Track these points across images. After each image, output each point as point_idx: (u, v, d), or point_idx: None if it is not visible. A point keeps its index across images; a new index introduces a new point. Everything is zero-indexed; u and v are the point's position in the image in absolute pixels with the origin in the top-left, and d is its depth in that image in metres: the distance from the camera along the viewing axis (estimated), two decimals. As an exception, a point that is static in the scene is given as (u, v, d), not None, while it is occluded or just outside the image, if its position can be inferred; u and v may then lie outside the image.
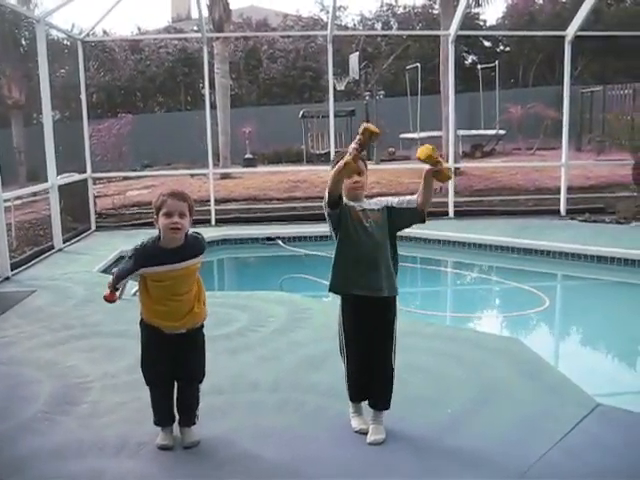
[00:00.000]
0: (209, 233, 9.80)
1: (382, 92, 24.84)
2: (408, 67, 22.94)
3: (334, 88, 12.61)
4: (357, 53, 22.53)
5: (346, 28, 32.19)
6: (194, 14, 35.05)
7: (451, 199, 11.37)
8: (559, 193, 11.43)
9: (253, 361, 4.80)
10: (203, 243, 3.51)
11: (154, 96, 30.83)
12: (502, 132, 21.39)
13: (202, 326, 3.60)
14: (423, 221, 3.62)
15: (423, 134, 20.96)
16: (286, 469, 3.32)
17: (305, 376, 4.44)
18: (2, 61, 17.23)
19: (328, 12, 19.72)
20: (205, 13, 17.08)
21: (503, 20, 32.84)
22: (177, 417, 3.59)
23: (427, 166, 3.41)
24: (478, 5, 27.09)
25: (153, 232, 3.48)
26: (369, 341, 3.56)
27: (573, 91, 13.82)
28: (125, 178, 16.70)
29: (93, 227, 11.15)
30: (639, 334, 6.53)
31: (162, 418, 3.57)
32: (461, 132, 17.18)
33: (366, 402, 3.67)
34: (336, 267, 3.56)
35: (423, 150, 3.37)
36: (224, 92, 18.09)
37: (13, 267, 7.97)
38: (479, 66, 24.26)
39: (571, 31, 10.98)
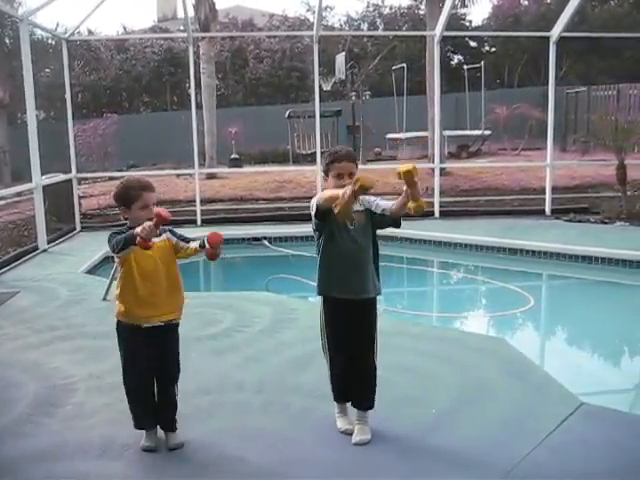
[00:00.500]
0: (195, 233, 9.71)
1: (368, 92, 24.87)
2: (394, 67, 23.02)
3: (320, 88, 12.60)
4: (343, 53, 22.50)
5: (332, 28, 32.20)
6: (180, 14, 34.92)
7: (437, 199, 11.39)
8: (544, 193, 11.49)
9: (239, 362, 4.79)
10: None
11: (140, 96, 30.71)
12: (488, 132, 21.48)
13: (177, 325, 3.55)
14: (399, 226, 3.61)
15: (409, 134, 21.04)
16: (271, 471, 3.31)
17: (291, 377, 4.43)
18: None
19: (314, 12, 19.68)
20: (191, 13, 17.04)
21: (489, 21, 32.98)
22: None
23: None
24: (464, 6, 27.14)
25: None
26: (351, 341, 3.57)
27: (558, 92, 13.89)
28: (110, 178, 16.56)
29: (78, 228, 11.08)
30: (623, 333, 6.58)
31: (143, 422, 3.54)
32: (447, 132, 17.23)
33: (350, 403, 3.68)
34: (320, 269, 3.56)
35: (406, 166, 3.24)
36: (210, 92, 18.05)
37: (-3, 268, 7.91)
38: (465, 66, 24.38)
39: (556, 32, 11.04)
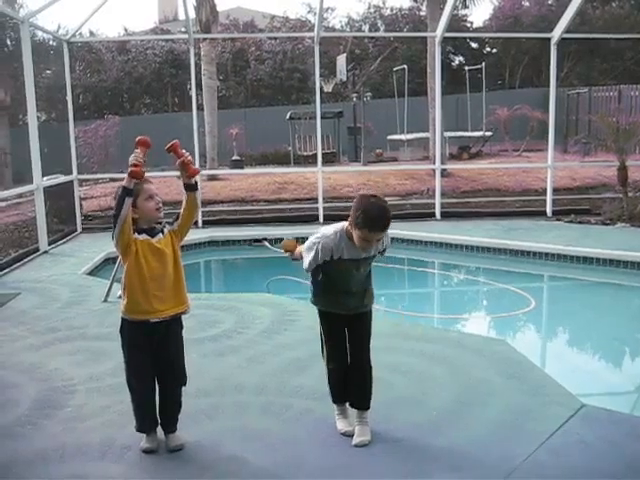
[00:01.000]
0: (196, 235, 9.77)
1: (369, 94, 24.90)
2: (395, 69, 23.00)
3: (321, 90, 12.62)
4: (344, 55, 22.52)
5: (333, 30, 32.19)
6: (181, 15, 34.97)
7: (438, 200, 11.39)
8: (545, 194, 11.49)
9: (239, 363, 4.78)
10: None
11: (141, 97, 30.70)
12: (489, 134, 21.47)
13: (181, 326, 3.55)
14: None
15: (410, 136, 21.04)
16: (271, 472, 3.30)
17: (291, 379, 4.43)
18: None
19: (315, 14, 19.69)
20: (192, 14, 17.03)
21: (490, 22, 32.97)
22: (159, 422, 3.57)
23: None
24: (465, 7, 27.16)
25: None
26: (348, 346, 3.60)
27: (559, 93, 13.92)
28: (112, 180, 16.59)
29: (79, 229, 11.09)
30: (624, 335, 6.57)
31: (146, 425, 3.53)
32: (448, 134, 17.25)
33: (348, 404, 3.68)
34: (316, 289, 3.61)
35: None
36: (211, 93, 18.04)
37: (-3, 269, 7.92)
38: (466, 68, 24.35)
39: (557, 33, 11.04)
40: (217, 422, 3.82)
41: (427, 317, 7.22)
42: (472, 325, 7.32)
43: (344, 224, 3.36)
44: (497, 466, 3.27)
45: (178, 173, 3.48)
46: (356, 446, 3.48)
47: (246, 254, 10.36)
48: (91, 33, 27.88)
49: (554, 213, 11.25)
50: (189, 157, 3.43)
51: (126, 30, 34.12)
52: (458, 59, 31.96)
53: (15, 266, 8.39)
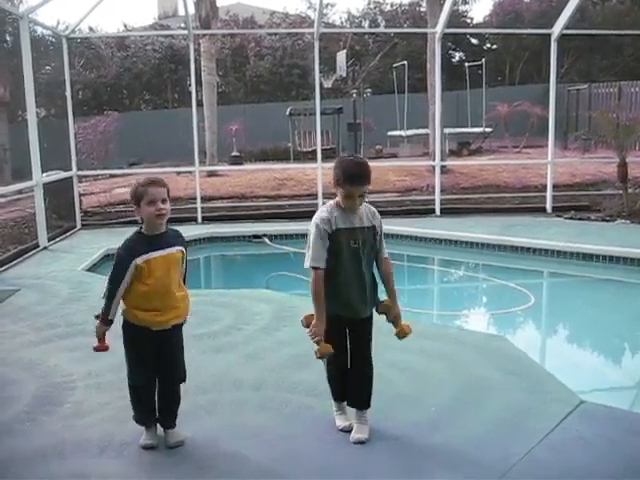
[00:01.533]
0: (196, 231, 9.77)
1: (369, 90, 24.89)
2: (395, 65, 22.98)
3: (321, 86, 12.60)
4: (344, 51, 22.53)
5: (333, 26, 32.16)
6: (180, 11, 34.89)
7: (437, 197, 11.39)
8: (545, 191, 11.48)
9: (238, 360, 4.78)
10: (183, 238, 3.54)
11: (140, 93, 30.68)
12: (489, 130, 21.46)
13: (182, 324, 3.56)
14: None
15: (410, 132, 21.03)
16: (269, 468, 3.30)
17: (290, 375, 4.43)
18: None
19: (315, 9, 19.67)
20: (191, 10, 17.01)
21: (490, 18, 32.94)
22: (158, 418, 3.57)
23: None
24: (465, 3, 27.18)
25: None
26: (349, 345, 3.58)
27: (559, 89, 13.89)
28: (111, 176, 16.61)
29: (79, 225, 11.08)
30: (623, 331, 6.57)
31: (145, 418, 3.54)
32: (448, 130, 17.22)
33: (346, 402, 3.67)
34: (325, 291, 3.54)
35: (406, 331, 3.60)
36: (211, 89, 18.03)
37: (-3, 266, 7.92)
38: (466, 64, 24.33)
39: (557, 29, 11.02)
40: (216, 418, 3.82)
41: (426, 313, 7.21)
42: (471, 322, 7.32)
43: (332, 201, 3.48)
44: (495, 464, 3.27)
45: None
46: (354, 443, 3.48)
47: (245, 250, 10.36)
48: (90, 29, 27.90)
49: (554, 209, 11.24)
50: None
51: (125, 26, 34.13)
52: (458, 55, 31.95)
53: (14, 262, 8.39)
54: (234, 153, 20.48)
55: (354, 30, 31.33)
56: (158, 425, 3.56)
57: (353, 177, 3.33)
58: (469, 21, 32.60)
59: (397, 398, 4.03)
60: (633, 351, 6.35)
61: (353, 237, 3.41)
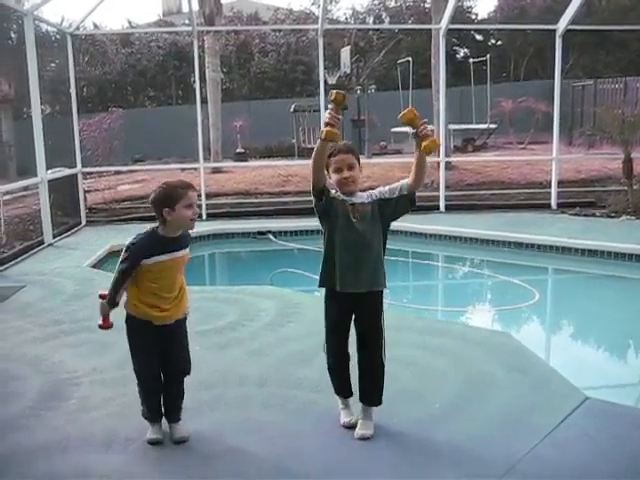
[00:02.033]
0: (200, 228, 9.73)
1: (374, 86, 24.83)
2: (400, 61, 22.92)
3: (325, 82, 12.58)
4: (348, 47, 22.45)
5: (337, 22, 32.07)
6: (185, 8, 34.86)
7: (442, 193, 11.37)
8: (550, 187, 11.45)
9: (242, 356, 4.79)
10: (189, 236, 3.55)
11: (145, 90, 30.67)
12: (493, 126, 21.40)
13: (185, 318, 3.57)
14: (414, 204, 3.55)
15: (414, 128, 20.93)
16: (274, 464, 3.31)
17: (294, 371, 4.44)
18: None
19: (319, 6, 19.66)
20: (196, 7, 17.02)
21: (495, 14, 32.84)
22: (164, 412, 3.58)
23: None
24: (470, -2, 27.02)
25: (142, 226, 3.49)
26: (358, 336, 3.55)
27: (564, 85, 13.84)
28: (116, 173, 16.62)
29: (84, 222, 11.10)
30: (628, 327, 6.55)
31: (153, 413, 3.55)
32: (452, 126, 17.19)
33: (356, 396, 3.66)
34: (323, 262, 3.54)
35: (405, 114, 3.37)
36: (215, 86, 18.03)
37: (2, 262, 7.95)
38: (471, 60, 24.25)
39: (562, 25, 10.98)
40: (220, 414, 3.83)
41: (431, 309, 7.21)
42: (476, 318, 7.32)
43: None
44: (499, 460, 3.27)
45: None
46: (358, 439, 3.48)
47: (250, 247, 10.37)
48: (95, 26, 27.88)
49: (559, 206, 11.21)
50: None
51: (130, 23, 34.09)
52: (463, 51, 31.85)
53: (20, 259, 8.41)
54: (238, 150, 20.47)
55: (358, 26, 31.26)
56: (163, 420, 3.57)
57: (334, 148, 3.51)
58: (474, 17, 32.50)
59: (401, 394, 4.02)
60: (638, 347, 6.34)
61: (354, 211, 3.46)
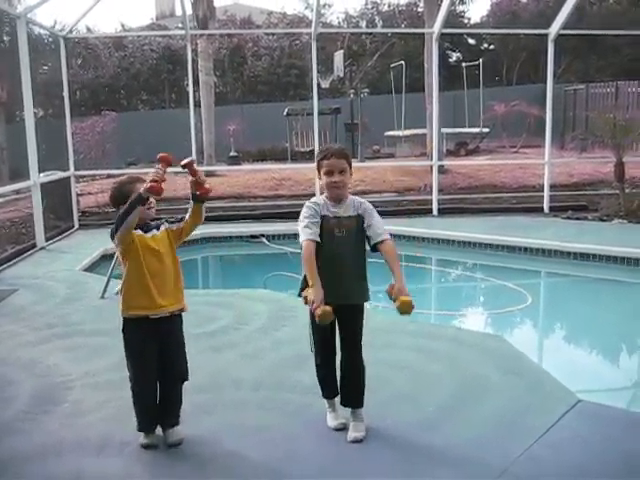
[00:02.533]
0: (193, 231, 9.76)
1: (367, 90, 24.85)
2: (393, 65, 23.00)
3: (319, 86, 12.61)
4: (342, 51, 22.52)
5: (331, 26, 32.15)
6: (178, 11, 34.87)
7: (435, 197, 11.40)
8: (542, 191, 11.50)
9: (236, 359, 4.79)
10: (160, 220, 3.61)
11: (138, 94, 30.65)
12: (486, 130, 21.48)
13: (182, 321, 3.57)
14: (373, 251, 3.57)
15: (407, 132, 21.04)
16: (269, 467, 3.31)
17: (288, 374, 4.44)
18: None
19: (312, 10, 19.68)
20: (189, 10, 17.04)
21: (487, 18, 32.99)
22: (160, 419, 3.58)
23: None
24: (462, 3, 27.17)
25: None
26: (338, 343, 3.58)
27: (556, 89, 13.91)
28: (109, 176, 16.57)
29: (76, 225, 11.08)
30: (620, 330, 6.58)
31: (147, 425, 3.53)
32: (445, 130, 17.24)
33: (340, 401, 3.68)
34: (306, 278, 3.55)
35: (406, 305, 3.40)
36: (208, 90, 18.04)
37: (-5, 266, 7.91)
38: (463, 64, 24.35)
39: (554, 29, 11.04)
40: (215, 418, 3.83)
41: (424, 313, 7.22)
42: (469, 321, 7.33)
43: (323, 195, 3.62)
44: (494, 462, 3.28)
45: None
46: (351, 442, 3.49)
47: (243, 250, 10.36)
48: (88, 29, 27.87)
49: (551, 209, 11.26)
50: (203, 177, 3.50)
51: (123, 26, 34.11)
52: (456, 55, 31.97)
53: (12, 262, 8.39)
54: (232, 153, 20.49)
55: (351, 30, 31.33)
56: (158, 425, 3.57)
57: (328, 151, 3.53)
58: (466, 21, 32.63)
59: (395, 397, 4.04)
60: (630, 350, 6.37)
61: (339, 226, 3.47)
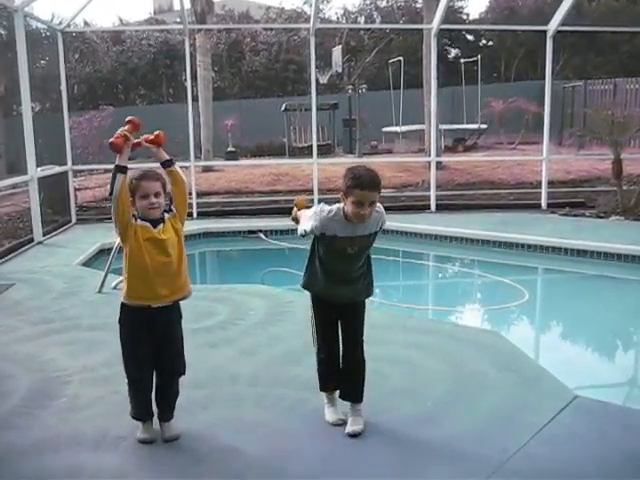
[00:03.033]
0: (191, 226, 9.75)
1: (365, 85, 24.87)
2: (391, 61, 22.95)
3: (317, 81, 12.59)
4: (340, 46, 22.50)
5: (329, 21, 32.14)
6: (176, 6, 34.80)
7: (433, 193, 11.39)
8: (540, 187, 11.50)
9: (233, 355, 4.79)
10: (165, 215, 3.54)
11: (136, 88, 30.60)
12: (484, 126, 21.47)
13: (180, 316, 3.57)
14: None
15: (405, 128, 21.03)
16: (266, 462, 3.32)
17: (285, 370, 4.44)
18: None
19: (311, 5, 19.65)
20: (187, 5, 16.99)
21: (486, 14, 32.97)
22: (156, 411, 3.57)
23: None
24: (461, -1, 27.07)
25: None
26: (339, 337, 3.59)
27: (554, 86, 13.88)
28: (106, 171, 16.52)
29: (74, 220, 11.06)
30: (617, 327, 6.60)
31: (142, 412, 3.54)
32: (443, 126, 17.24)
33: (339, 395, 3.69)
34: (310, 272, 3.56)
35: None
36: (206, 85, 18.00)
37: (-8, 260, 7.90)
38: (462, 60, 24.32)
39: (553, 26, 11.03)
40: (212, 413, 3.83)
41: (421, 309, 7.23)
42: (466, 317, 7.35)
43: (342, 204, 3.40)
44: (490, 457, 3.29)
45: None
46: (349, 435, 3.49)
47: (241, 246, 10.36)
48: (85, 23, 27.74)
49: (549, 206, 11.26)
50: (148, 137, 3.52)
51: (121, 20, 34.00)
52: (454, 51, 31.94)
53: (9, 257, 8.37)
54: (229, 148, 20.45)
55: (350, 26, 31.33)
56: (155, 419, 3.57)
57: (364, 181, 3.24)
58: (465, 17, 32.61)
59: (393, 392, 4.04)
60: (626, 347, 6.39)
61: (352, 244, 3.39)
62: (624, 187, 10.92)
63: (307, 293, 3.67)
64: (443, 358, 4.62)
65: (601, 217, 10.30)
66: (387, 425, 3.63)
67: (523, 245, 8.85)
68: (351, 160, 17.12)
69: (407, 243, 9.66)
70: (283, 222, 10.22)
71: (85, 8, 10.97)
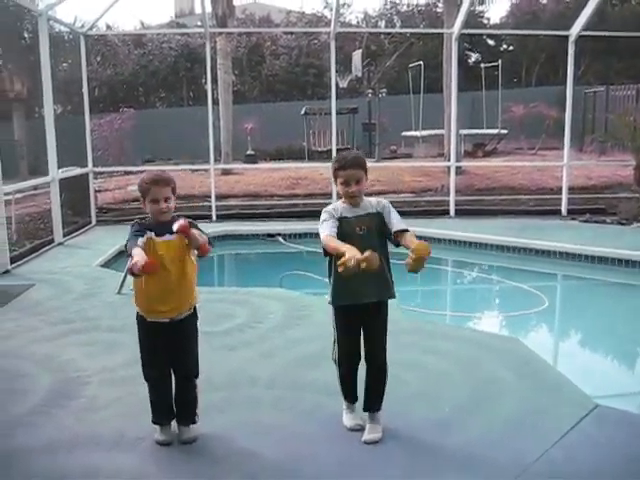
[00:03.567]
0: (210, 229, 9.72)
1: (385, 90, 24.82)
2: (411, 65, 22.89)
3: (337, 85, 12.58)
4: (360, 51, 22.47)
5: (349, 25, 32.08)
6: (197, 9, 35.02)
7: (452, 198, 11.35)
8: (560, 193, 11.42)
9: (251, 358, 4.79)
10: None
11: (156, 91, 30.77)
12: (504, 131, 21.34)
13: (195, 316, 3.57)
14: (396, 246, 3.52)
15: (425, 132, 20.96)
16: (282, 466, 3.31)
17: (303, 373, 4.43)
18: (5, 54, 17.21)
19: (331, 9, 19.65)
20: (208, 8, 17.04)
21: (507, 19, 32.79)
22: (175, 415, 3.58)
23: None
24: (482, 3, 26.93)
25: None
26: (364, 344, 3.56)
27: (576, 91, 13.78)
28: (126, 173, 16.66)
29: (94, 221, 11.15)
30: (638, 336, 6.51)
31: (161, 417, 3.55)
32: (463, 131, 17.15)
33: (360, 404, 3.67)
34: (334, 285, 3.54)
35: (422, 249, 3.27)
36: (226, 88, 18.06)
37: (13, 260, 7.97)
38: (482, 65, 24.21)
39: (575, 31, 10.96)
40: (229, 416, 3.83)
41: (440, 314, 7.20)
42: (485, 323, 7.30)
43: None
44: (509, 464, 3.26)
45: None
46: (366, 443, 3.47)
47: (259, 249, 10.38)
48: (108, 27, 27.97)
49: (569, 212, 11.18)
50: (197, 237, 3.42)
51: (142, 24, 34.22)
52: (474, 56, 31.80)
53: (30, 257, 8.45)
54: (249, 152, 20.49)
55: (370, 30, 31.27)
56: (173, 422, 3.58)
57: (346, 162, 3.51)
58: (486, 22, 32.44)
59: (412, 398, 4.02)
60: (648, 355, 6.30)
61: (359, 224, 3.48)
62: (646, 194, 10.82)
63: (326, 298, 3.64)
64: (462, 364, 4.59)
65: (622, 224, 10.20)
66: (404, 430, 3.61)
67: (543, 251, 8.79)
68: (370, 165, 17.05)
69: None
70: (302, 225, 10.27)
71: (107, 12, 11.07)
